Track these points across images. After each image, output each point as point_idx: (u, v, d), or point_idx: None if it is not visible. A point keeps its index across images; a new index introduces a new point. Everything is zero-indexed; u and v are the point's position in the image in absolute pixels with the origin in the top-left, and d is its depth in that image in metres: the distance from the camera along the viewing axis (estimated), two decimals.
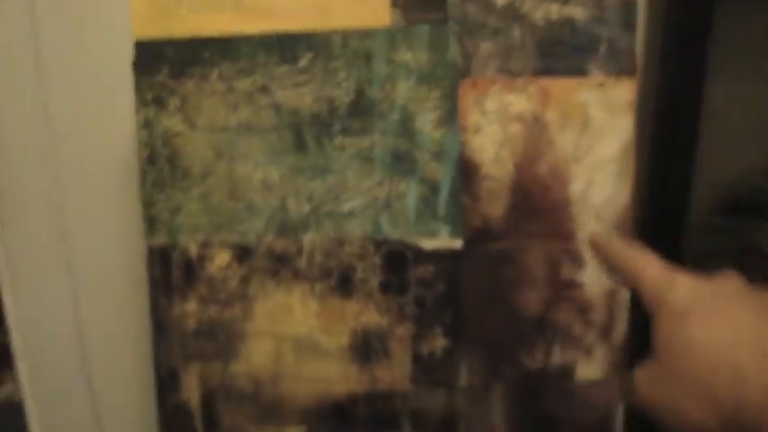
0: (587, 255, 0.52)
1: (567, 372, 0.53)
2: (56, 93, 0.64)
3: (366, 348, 0.51)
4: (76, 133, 0.64)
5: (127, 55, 0.48)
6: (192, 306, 0.51)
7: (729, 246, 0.75)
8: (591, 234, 0.50)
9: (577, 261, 0.52)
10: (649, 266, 0.44)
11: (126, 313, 0.67)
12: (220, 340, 0.51)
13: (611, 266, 0.48)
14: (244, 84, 0.49)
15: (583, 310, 0.53)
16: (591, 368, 0.54)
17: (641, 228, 0.66)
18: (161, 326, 0.51)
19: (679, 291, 0.41)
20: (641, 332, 0.45)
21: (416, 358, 0.52)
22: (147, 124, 0.49)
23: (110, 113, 0.61)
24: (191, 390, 0.52)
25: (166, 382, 0.52)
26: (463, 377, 0.52)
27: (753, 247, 0.71)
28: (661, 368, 0.40)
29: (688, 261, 0.73)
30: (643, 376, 0.42)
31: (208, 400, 0.52)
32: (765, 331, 0.37)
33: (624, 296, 0.53)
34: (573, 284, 0.52)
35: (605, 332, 0.53)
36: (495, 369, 0.53)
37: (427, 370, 0.52)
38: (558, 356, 0.53)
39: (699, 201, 0.76)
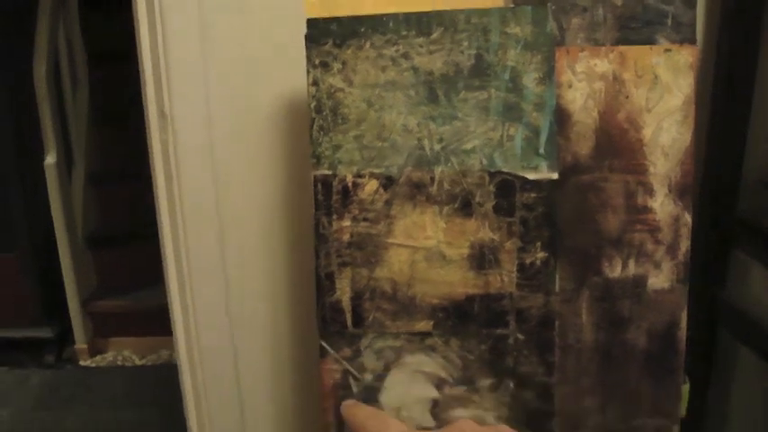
0: (657, 186, 0.67)
1: (640, 281, 0.68)
2: (245, 63, 0.81)
3: (481, 258, 0.67)
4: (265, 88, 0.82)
5: (300, 30, 0.65)
6: (346, 223, 0.67)
7: None
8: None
9: (650, 191, 0.67)
10: None
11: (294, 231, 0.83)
12: (368, 250, 0.67)
13: None
14: (389, 51, 0.65)
15: (653, 231, 0.68)
16: (660, 279, 0.68)
17: (701, 184, 0.79)
18: (322, 238, 0.67)
19: None
20: None
21: (521, 267, 0.67)
22: (315, 82, 0.66)
23: (285, 74, 0.79)
24: (343, 290, 0.68)
25: (324, 285, 0.68)
26: (557, 284, 0.68)
27: None
28: None
29: (743, 214, 0.87)
30: None
31: (356, 299, 0.68)
32: None
33: (687, 220, 0.68)
34: (645, 210, 0.67)
35: (671, 250, 0.68)
36: (582, 278, 0.68)
37: (529, 277, 0.67)
38: (632, 269, 0.68)
39: (753, 158, 0.90)
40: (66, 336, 2.44)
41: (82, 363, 2.41)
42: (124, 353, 2.46)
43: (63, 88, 2.46)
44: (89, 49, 2.60)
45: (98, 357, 2.44)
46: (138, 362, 2.41)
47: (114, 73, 2.28)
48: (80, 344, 2.38)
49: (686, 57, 0.66)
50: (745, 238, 0.89)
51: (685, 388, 0.73)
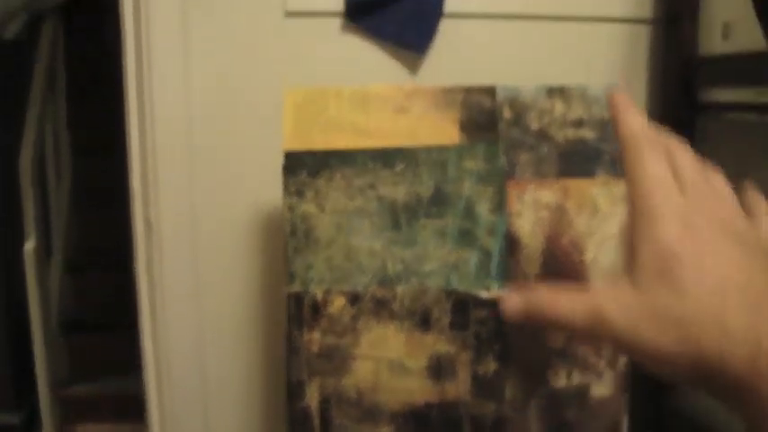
0: None
1: (583, 390, 0.76)
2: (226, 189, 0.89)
3: (439, 369, 0.74)
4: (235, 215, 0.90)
5: (278, 161, 0.73)
6: (316, 335, 0.74)
7: None
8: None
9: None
10: (659, 178, 0.40)
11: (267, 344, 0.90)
12: (336, 361, 0.74)
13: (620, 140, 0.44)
14: (358, 182, 0.74)
15: (595, 346, 0.75)
16: (601, 388, 0.76)
17: None
18: (294, 349, 0.74)
19: (670, 225, 0.38)
20: None
21: (475, 377, 0.74)
22: (290, 208, 0.74)
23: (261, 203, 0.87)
24: (312, 397, 0.74)
25: (295, 391, 0.74)
26: (508, 392, 0.75)
27: None
28: (641, 296, 0.37)
29: None
30: (616, 298, 0.38)
31: (324, 405, 0.74)
32: (754, 278, 0.36)
33: None
34: None
35: (612, 362, 0.76)
36: (531, 387, 0.75)
37: (482, 386, 0.75)
38: (577, 378, 0.75)
39: None
40: (34, 422, 2.42)
41: None
42: None
43: (47, 177, 2.53)
44: (74, 140, 2.69)
45: None
46: None
47: (99, 165, 2.34)
48: (48, 430, 2.36)
49: (623, 188, 0.75)
50: None
51: None
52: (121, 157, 0.93)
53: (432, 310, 0.74)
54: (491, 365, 0.75)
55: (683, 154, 0.43)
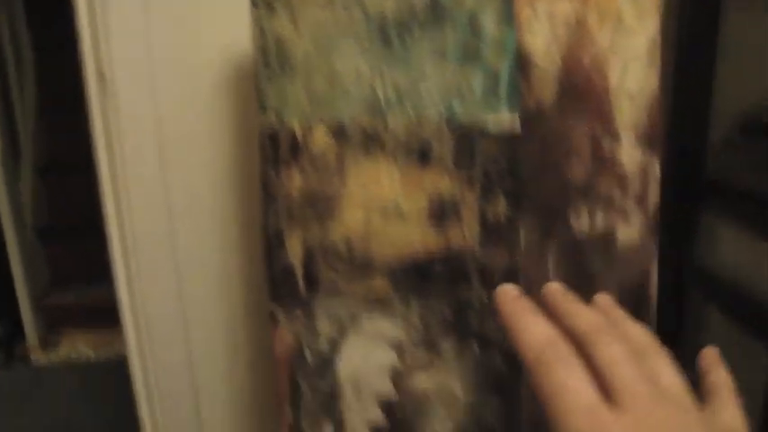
0: (624, 134, 0.64)
1: (609, 235, 0.66)
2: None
3: (441, 213, 0.64)
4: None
5: None
6: (296, 178, 0.63)
7: (747, 162, 0.87)
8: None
9: (616, 139, 0.64)
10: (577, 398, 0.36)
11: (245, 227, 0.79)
12: (319, 207, 0.63)
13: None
14: None
15: (621, 181, 0.65)
16: (629, 233, 0.66)
17: (668, 147, 0.77)
18: (270, 195, 0.63)
19: None
20: None
21: (483, 222, 0.64)
22: (259, 28, 0.62)
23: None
24: (294, 251, 0.64)
25: (274, 245, 0.64)
26: (522, 239, 0.65)
27: None
28: None
29: (712, 174, 0.85)
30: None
31: (308, 259, 0.64)
32: None
33: (655, 168, 0.65)
34: (612, 159, 0.65)
35: (640, 201, 0.66)
36: (549, 232, 0.65)
37: (492, 232, 0.64)
38: (600, 221, 0.65)
39: (720, 115, 0.88)
40: (16, 333, 2.37)
41: (34, 359, 2.34)
42: (78, 347, 2.39)
43: (8, 79, 2.40)
44: (34, 42, 2.55)
45: (51, 354, 2.37)
46: (92, 356, 2.34)
47: (61, 60, 2.22)
48: (32, 340, 2.32)
49: None
50: (713, 198, 0.88)
51: None
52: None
53: (431, 144, 0.63)
54: (502, 207, 0.65)
55: (608, 343, 0.37)
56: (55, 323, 2.39)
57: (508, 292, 0.42)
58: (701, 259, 0.89)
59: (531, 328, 0.40)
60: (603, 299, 0.43)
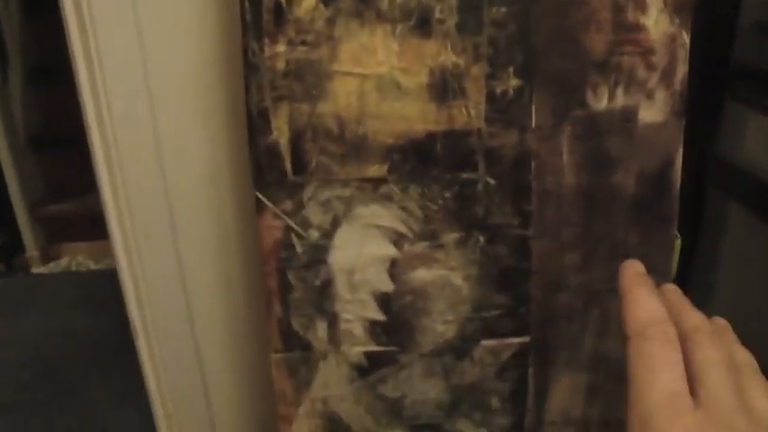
0: None
1: (630, 114, 0.59)
2: None
3: (444, 87, 0.57)
4: None
5: None
6: (281, 48, 0.56)
7: None
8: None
9: (642, 5, 0.57)
10: (666, 393, 0.36)
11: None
12: (308, 81, 0.57)
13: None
14: None
15: (646, 53, 0.58)
16: (653, 111, 0.59)
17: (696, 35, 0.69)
18: (253, 67, 0.57)
19: None
20: None
21: (491, 98, 0.58)
22: None
23: None
24: (280, 130, 0.58)
25: (258, 124, 0.58)
26: (534, 117, 0.58)
27: None
28: None
29: (738, 61, 0.78)
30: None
31: (296, 140, 0.58)
32: None
33: (684, 40, 0.58)
34: (637, 28, 0.57)
35: (666, 76, 0.59)
36: (563, 110, 0.59)
37: (501, 109, 0.58)
38: (621, 99, 0.59)
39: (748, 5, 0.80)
40: (16, 243, 2.35)
41: (34, 270, 2.33)
42: (78, 258, 2.37)
43: None
44: None
45: (51, 264, 2.36)
46: (92, 267, 2.32)
47: None
48: (31, 251, 2.30)
49: None
50: (740, 86, 0.80)
51: (677, 244, 0.65)
52: None
53: (432, 8, 0.56)
54: (512, 81, 0.58)
55: (709, 346, 0.38)
56: (54, 234, 2.37)
57: (634, 265, 0.44)
58: (724, 154, 0.82)
59: (645, 304, 0.40)
60: (719, 320, 0.42)
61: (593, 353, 0.67)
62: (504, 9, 0.57)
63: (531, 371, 0.66)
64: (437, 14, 0.57)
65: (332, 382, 0.67)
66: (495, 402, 0.67)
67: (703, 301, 0.89)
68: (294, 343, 0.65)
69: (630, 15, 0.58)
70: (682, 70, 0.60)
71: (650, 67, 0.59)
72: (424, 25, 0.57)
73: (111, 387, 1.67)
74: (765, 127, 0.76)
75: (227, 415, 0.90)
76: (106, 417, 1.62)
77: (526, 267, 0.63)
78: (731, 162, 0.79)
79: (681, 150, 0.61)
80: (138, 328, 0.87)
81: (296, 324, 0.64)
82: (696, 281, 0.89)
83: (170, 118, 0.73)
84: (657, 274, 0.64)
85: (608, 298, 0.64)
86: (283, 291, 0.63)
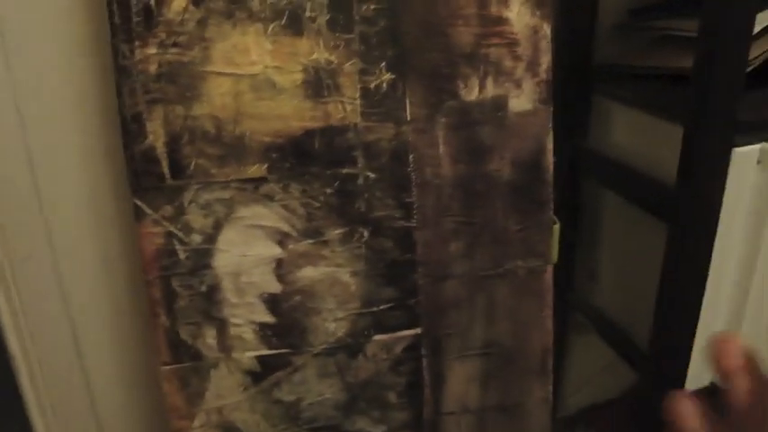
0: None
1: (500, 103, 0.62)
2: None
3: (318, 84, 0.58)
4: None
5: None
6: (152, 50, 0.56)
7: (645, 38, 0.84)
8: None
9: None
10: None
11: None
12: (182, 83, 0.57)
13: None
14: None
15: (510, 44, 0.61)
16: (522, 100, 0.62)
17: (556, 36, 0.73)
18: (124, 71, 0.56)
19: None
20: None
21: (365, 93, 0.59)
22: None
23: None
24: (156, 134, 0.57)
25: (132, 129, 0.57)
26: (408, 110, 0.60)
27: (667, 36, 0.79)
28: None
29: (601, 60, 0.83)
30: None
31: (173, 144, 0.58)
32: None
33: (546, 32, 0.61)
34: (501, 21, 0.60)
35: (532, 66, 0.62)
36: (436, 102, 0.61)
37: (375, 104, 0.59)
38: (491, 89, 0.61)
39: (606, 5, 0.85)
40: None
41: None
42: None
43: None
44: None
45: None
46: None
47: None
48: None
49: None
50: (604, 82, 0.85)
51: (555, 228, 0.68)
52: None
53: (303, 6, 0.57)
54: (384, 76, 0.60)
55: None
56: None
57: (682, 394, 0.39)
58: (595, 146, 0.86)
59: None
60: None
61: (484, 339, 0.68)
62: (373, 6, 0.58)
63: (424, 362, 0.67)
64: (308, 13, 0.58)
65: (225, 390, 0.66)
66: (392, 397, 0.68)
67: (587, 282, 0.93)
68: (183, 353, 0.64)
69: (494, 9, 0.60)
70: (546, 60, 0.63)
71: (516, 57, 0.62)
72: (295, 24, 0.58)
73: None
74: (628, 117, 0.80)
75: None
76: None
77: (411, 259, 0.64)
78: (601, 152, 0.83)
79: (551, 136, 0.64)
80: (15, 350, 0.83)
81: (184, 333, 0.63)
82: (579, 264, 0.93)
83: (40, 129, 0.70)
84: (538, 257, 0.67)
85: (493, 284, 0.66)
86: (168, 299, 0.62)
